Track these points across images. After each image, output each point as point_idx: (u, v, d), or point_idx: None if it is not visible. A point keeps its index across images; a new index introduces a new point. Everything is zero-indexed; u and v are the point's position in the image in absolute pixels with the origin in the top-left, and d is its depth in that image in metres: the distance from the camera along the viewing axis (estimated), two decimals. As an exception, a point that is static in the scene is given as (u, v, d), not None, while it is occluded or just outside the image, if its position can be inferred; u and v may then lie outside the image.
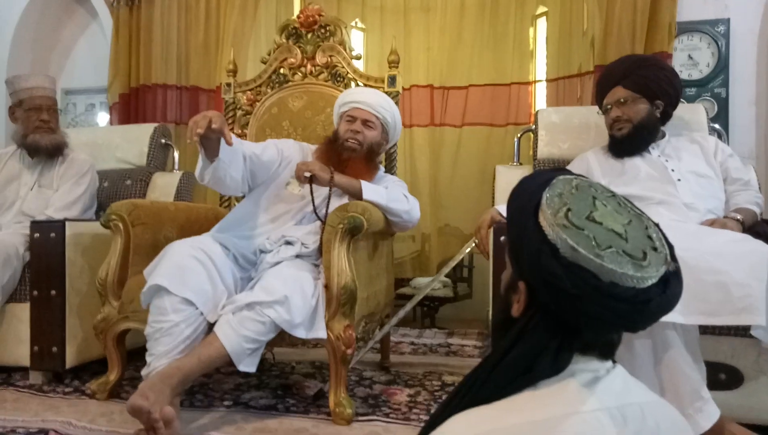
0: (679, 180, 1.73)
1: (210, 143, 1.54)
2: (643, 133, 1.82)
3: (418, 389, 1.85)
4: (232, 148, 1.59)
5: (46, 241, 1.85)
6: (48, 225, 1.87)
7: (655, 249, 0.67)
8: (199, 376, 1.48)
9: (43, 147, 2.16)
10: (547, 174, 0.75)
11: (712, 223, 1.57)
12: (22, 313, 1.88)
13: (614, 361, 0.75)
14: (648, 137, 1.83)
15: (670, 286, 0.66)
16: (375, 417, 1.58)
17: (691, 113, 2.08)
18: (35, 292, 1.86)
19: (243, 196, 2.22)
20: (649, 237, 0.68)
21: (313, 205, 1.73)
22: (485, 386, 0.71)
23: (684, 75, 2.66)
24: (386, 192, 1.77)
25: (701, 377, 1.30)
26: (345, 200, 1.74)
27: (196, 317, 1.49)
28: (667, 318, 1.23)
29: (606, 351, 0.72)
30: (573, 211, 0.66)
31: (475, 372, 0.75)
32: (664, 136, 1.87)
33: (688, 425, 0.77)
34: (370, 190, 1.74)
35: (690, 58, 2.74)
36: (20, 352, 1.88)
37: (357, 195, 1.73)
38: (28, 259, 1.90)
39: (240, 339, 1.45)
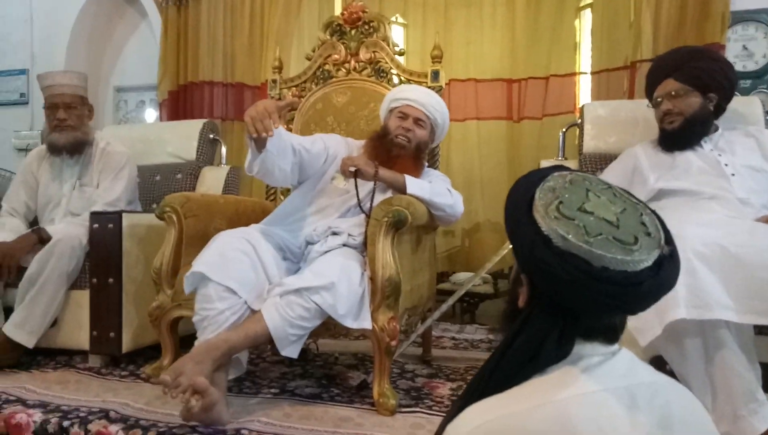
0: (733, 175, 1.68)
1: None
2: (695, 126, 1.77)
3: (460, 383, 1.86)
4: (282, 140, 1.63)
5: (105, 232, 1.95)
6: (106, 216, 1.97)
7: (648, 234, 0.70)
8: (243, 350, 1.54)
9: (60, 146, 2.16)
10: (543, 171, 0.78)
11: (768, 220, 1.52)
12: (82, 299, 1.99)
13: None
14: (700, 131, 1.78)
15: (663, 269, 0.69)
16: (418, 409, 1.60)
17: (746, 106, 2.01)
18: (94, 280, 1.96)
19: (289, 190, 2.28)
20: (643, 223, 0.71)
21: (358, 199, 1.75)
22: (495, 376, 0.74)
23: (738, 66, 2.57)
24: (430, 186, 1.79)
25: (756, 378, 1.26)
26: (389, 195, 1.77)
27: (240, 306, 1.53)
28: (721, 316, 1.22)
29: (610, 335, 0.74)
30: (564, 203, 0.70)
31: (485, 364, 0.78)
32: (717, 129, 1.81)
33: (701, 405, 0.77)
34: (414, 185, 1.75)
35: (745, 49, 2.64)
36: (81, 337, 1.98)
37: (401, 189, 1.75)
38: (88, 248, 2.00)
39: (284, 323, 1.48)
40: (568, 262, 0.67)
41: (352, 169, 1.74)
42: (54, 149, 2.19)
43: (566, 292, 0.69)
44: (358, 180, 1.76)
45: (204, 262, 1.55)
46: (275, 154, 1.63)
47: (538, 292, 0.73)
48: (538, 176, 0.76)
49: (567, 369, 0.71)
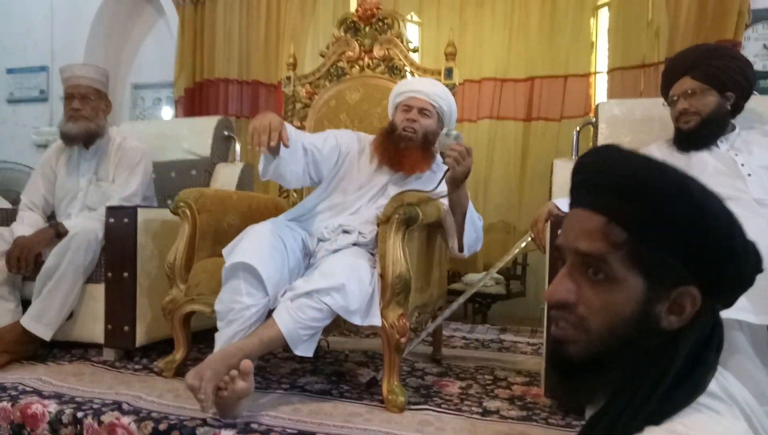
0: (749, 175, 1.65)
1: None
2: (711, 126, 1.74)
3: (469, 382, 1.85)
4: (292, 143, 1.64)
5: (120, 226, 1.97)
6: (122, 211, 1.99)
7: None
8: (258, 356, 1.54)
9: (73, 136, 2.19)
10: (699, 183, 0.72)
11: (785, 221, 1.49)
12: (98, 293, 2.01)
13: None
14: (716, 130, 1.75)
15: None
16: (427, 406, 1.60)
17: (765, 105, 1.97)
18: (109, 274, 1.98)
19: (302, 190, 2.29)
20: None
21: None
22: (672, 396, 0.66)
23: (758, 66, 2.54)
24: (476, 233, 1.77)
25: (770, 380, 1.24)
26: None
27: (264, 305, 1.55)
28: (738, 316, 1.20)
29: None
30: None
31: (650, 381, 0.68)
32: (734, 129, 1.78)
33: None
34: (470, 226, 1.72)
35: (765, 48, 2.60)
36: (96, 330, 2.01)
37: (461, 214, 1.72)
38: (104, 243, 2.03)
39: (297, 326, 1.49)
40: (751, 255, 0.70)
41: (455, 162, 1.60)
42: (67, 138, 2.22)
43: (745, 277, 0.70)
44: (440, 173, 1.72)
45: (243, 252, 1.55)
46: (287, 160, 1.64)
47: (714, 298, 0.69)
48: (713, 194, 0.72)
49: (717, 399, 0.67)
